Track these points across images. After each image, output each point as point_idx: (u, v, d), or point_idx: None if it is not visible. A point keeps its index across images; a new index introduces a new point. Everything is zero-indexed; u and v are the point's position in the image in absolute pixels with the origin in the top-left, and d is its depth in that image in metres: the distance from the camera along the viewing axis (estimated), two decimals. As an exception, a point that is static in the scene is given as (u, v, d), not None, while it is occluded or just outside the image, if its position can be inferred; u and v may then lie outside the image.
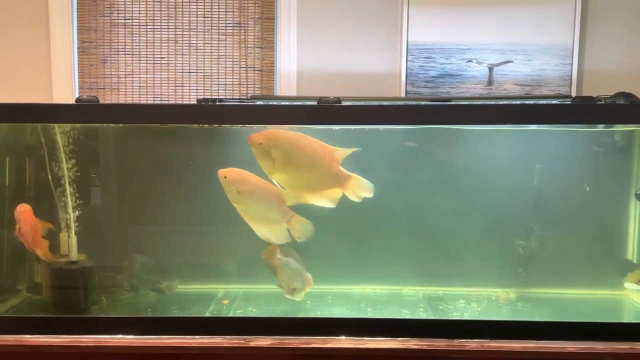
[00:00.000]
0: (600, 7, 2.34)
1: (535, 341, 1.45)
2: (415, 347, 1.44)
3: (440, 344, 1.45)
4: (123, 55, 2.48)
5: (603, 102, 1.57)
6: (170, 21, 2.47)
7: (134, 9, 2.46)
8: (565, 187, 1.75)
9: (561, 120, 1.53)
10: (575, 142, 1.73)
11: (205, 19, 2.47)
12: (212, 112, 1.55)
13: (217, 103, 1.65)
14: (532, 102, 2.02)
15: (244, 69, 2.48)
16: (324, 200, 1.58)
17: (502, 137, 1.74)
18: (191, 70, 2.48)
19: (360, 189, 1.58)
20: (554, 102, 1.85)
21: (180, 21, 2.47)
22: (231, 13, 2.46)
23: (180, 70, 2.48)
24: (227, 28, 2.47)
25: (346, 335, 1.48)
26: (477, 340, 1.46)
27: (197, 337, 1.47)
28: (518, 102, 1.75)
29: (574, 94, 2.32)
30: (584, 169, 1.75)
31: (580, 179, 1.73)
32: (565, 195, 1.75)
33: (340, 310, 1.68)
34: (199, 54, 2.48)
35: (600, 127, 1.68)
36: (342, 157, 1.57)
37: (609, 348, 1.43)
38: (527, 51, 2.33)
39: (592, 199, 1.73)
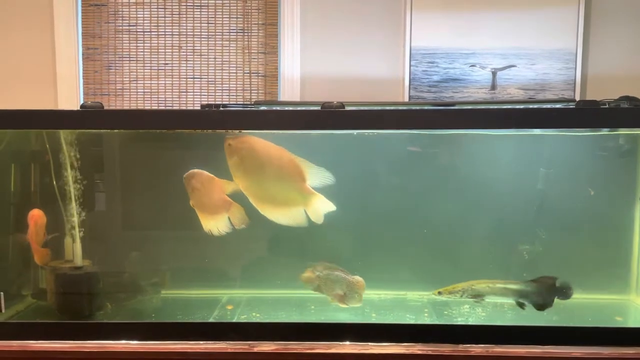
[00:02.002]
0: (604, 11, 2.34)
1: (540, 346, 1.45)
2: (419, 352, 1.43)
3: (445, 349, 1.44)
4: (127, 62, 2.49)
5: (607, 106, 1.57)
6: (174, 27, 2.48)
7: (138, 16, 2.47)
8: (570, 191, 1.74)
9: (565, 124, 1.53)
10: (579, 146, 1.73)
11: (209, 25, 2.48)
12: (216, 118, 1.55)
13: (221, 109, 1.66)
14: (535, 106, 2.01)
15: (248, 74, 2.49)
16: (286, 218, 1.57)
17: (505, 142, 1.74)
18: (195, 76, 2.49)
19: (322, 209, 1.56)
20: (557, 106, 1.85)
21: (184, 27, 2.48)
22: (235, 19, 2.47)
23: (184, 76, 2.49)
24: (231, 34, 2.48)
25: (350, 340, 1.47)
26: (482, 345, 1.45)
27: (201, 342, 1.47)
28: (521, 107, 1.75)
29: (577, 98, 2.32)
30: (588, 173, 1.74)
31: (584, 183, 1.72)
32: (570, 199, 1.74)
33: (344, 316, 1.67)
34: (202, 59, 2.49)
35: (605, 131, 1.67)
36: (310, 174, 1.55)
37: (615, 353, 1.42)
38: (530, 55, 2.33)
39: (596, 202, 1.72)
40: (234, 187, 1.58)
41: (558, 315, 1.68)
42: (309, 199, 1.56)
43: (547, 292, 1.60)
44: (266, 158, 1.56)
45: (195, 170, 1.60)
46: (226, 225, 1.60)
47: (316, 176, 1.55)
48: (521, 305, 1.61)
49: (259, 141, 1.55)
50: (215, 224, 1.60)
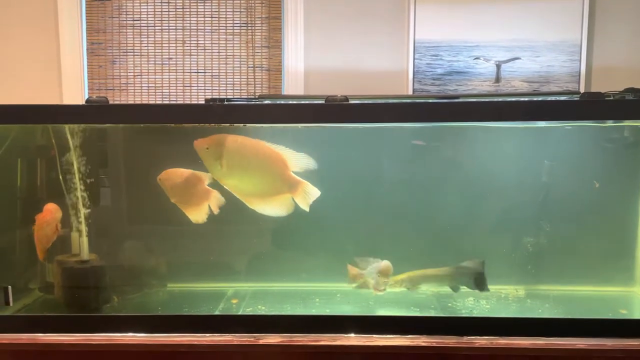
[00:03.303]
0: (608, 3, 2.33)
1: (544, 338, 1.45)
2: (424, 344, 1.44)
3: (450, 341, 1.45)
4: (132, 56, 2.49)
5: (612, 98, 1.56)
6: (178, 22, 2.48)
7: (142, 10, 2.48)
8: (574, 183, 1.74)
9: (570, 116, 1.53)
10: (583, 139, 1.73)
11: (213, 19, 2.48)
12: (220, 112, 1.55)
13: (226, 103, 1.66)
14: (540, 98, 2.01)
15: (252, 68, 2.49)
16: (275, 208, 1.59)
17: (509, 135, 1.74)
18: (199, 70, 2.50)
19: (308, 195, 1.58)
20: (562, 98, 1.84)
21: (188, 22, 2.48)
22: (238, 13, 2.47)
23: (189, 71, 2.50)
24: (235, 28, 2.48)
25: (355, 332, 1.48)
26: (486, 337, 1.46)
27: (208, 334, 1.48)
28: (526, 99, 1.75)
29: (582, 90, 2.31)
30: (592, 165, 1.74)
31: (588, 176, 1.72)
32: (574, 191, 1.74)
33: (348, 308, 1.68)
34: (206, 54, 2.49)
35: (609, 123, 1.67)
36: (293, 162, 1.57)
37: (619, 345, 1.43)
38: (534, 48, 2.33)
39: (601, 195, 1.72)
40: (212, 177, 1.62)
41: (563, 307, 1.69)
42: (294, 186, 1.58)
43: (479, 273, 1.65)
44: (246, 154, 1.58)
45: (171, 170, 1.63)
46: (207, 212, 1.63)
47: (298, 162, 1.57)
48: (454, 289, 1.67)
49: (235, 138, 1.56)
50: (200, 215, 1.64)
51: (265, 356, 1.47)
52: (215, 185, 1.62)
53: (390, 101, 1.70)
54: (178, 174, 1.64)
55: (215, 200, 1.63)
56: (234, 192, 1.59)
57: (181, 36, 2.49)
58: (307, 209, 1.58)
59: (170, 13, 2.48)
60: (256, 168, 1.60)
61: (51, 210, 1.65)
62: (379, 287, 1.63)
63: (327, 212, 1.66)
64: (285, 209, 1.60)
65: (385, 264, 1.63)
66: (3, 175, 1.74)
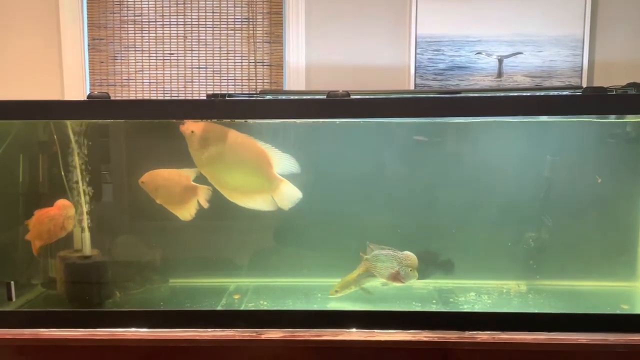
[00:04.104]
0: (611, -3, 2.33)
1: (546, 333, 1.45)
2: (426, 339, 1.44)
3: (451, 335, 1.45)
4: (133, 52, 2.49)
5: (614, 92, 1.56)
6: (179, 17, 2.48)
7: (143, 6, 2.47)
8: (576, 178, 1.74)
9: (572, 111, 1.52)
10: (585, 134, 1.72)
11: (214, 14, 2.48)
12: (222, 108, 1.55)
13: (227, 98, 1.66)
14: (542, 93, 2.01)
15: (253, 63, 2.49)
16: (253, 205, 1.59)
17: (511, 130, 1.74)
18: (200, 66, 2.50)
19: (288, 195, 1.58)
20: (564, 93, 1.84)
21: (189, 17, 2.48)
22: (240, 8, 2.47)
23: (190, 66, 2.50)
24: (236, 23, 2.48)
25: (357, 327, 1.48)
26: (488, 332, 1.46)
27: (210, 330, 1.49)
28: (528, 94, 1.74)
29: (584, 85, 2.31)
30: (594, 160, 1.74)
31: (590, 171, 1.72)
32: (576, 186, 1.74)
33: (350, 304, 1.68)
34: (208, 49, 2.49)
35: (612, 118, 1.67)
36: (276, 161, 1.56)
37: (621, 339, 1.43)
38: (537, 42, 2.32)
39: (603, 190, 1.72)
40: (197, 173, 1.61)
41: (564, 302, 1.69)
42: (275, 185, 1.58)
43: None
44: (230, 145, 1.57)
45: (153, 172, 1.63)
46: (196, 208, 1.62)
47: (282, 163, 1.57)
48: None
49: (222, 128, 1.56)
50: (189, 212, 1.64)
51: (268, 351, 1.47)
52: (205, 180, 1.61)
53: (392, 96, 1.70)
54: (160, 175, 1.63)
55: (203, 195, 1.62)
56: (212, 182, 1.58)
57: (182, 32, 2.49)
58: (286, 208, 1.58)
59: (172, 8, 2.48)
60: (238, 161, 1.59)
61: (59, 207, 1.65)
62: (405, 280, 1.61)
63: (328, 208, 1.66)
64: (264, 207, 1.59)
65: (408, 254, 1.61)
66: (5, 171, 1.74)
